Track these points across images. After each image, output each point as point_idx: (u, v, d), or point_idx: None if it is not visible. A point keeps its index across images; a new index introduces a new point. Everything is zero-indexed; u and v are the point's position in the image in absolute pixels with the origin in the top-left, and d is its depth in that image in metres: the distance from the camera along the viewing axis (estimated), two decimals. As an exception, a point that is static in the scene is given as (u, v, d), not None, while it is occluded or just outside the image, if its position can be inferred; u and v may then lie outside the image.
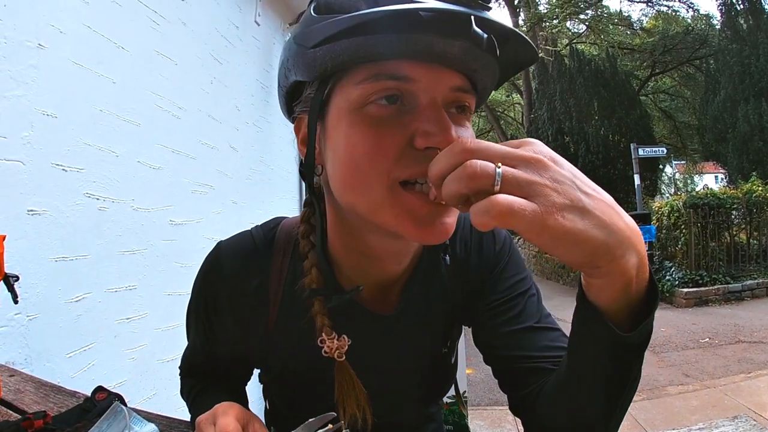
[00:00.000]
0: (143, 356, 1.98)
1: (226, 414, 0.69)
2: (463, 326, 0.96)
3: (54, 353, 1.56)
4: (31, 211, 1.48)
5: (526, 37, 0.60)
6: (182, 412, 0.95)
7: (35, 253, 1.49)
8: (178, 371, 1.00)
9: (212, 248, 0.85)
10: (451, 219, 0.63)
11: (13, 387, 1.02)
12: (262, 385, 0.99)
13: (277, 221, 0.86)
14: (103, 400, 0.79)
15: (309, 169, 0.68)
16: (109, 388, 0.87)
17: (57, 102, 1.58)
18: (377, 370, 0.79)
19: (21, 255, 1.44)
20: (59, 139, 1.59)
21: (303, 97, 0.68)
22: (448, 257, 0.82)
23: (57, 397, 0.97)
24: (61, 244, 1.58)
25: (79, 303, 1.65)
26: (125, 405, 0.78)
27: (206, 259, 0.86)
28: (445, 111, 0.60)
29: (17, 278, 1.22)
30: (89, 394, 0.86)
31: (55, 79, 1.58)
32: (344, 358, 0.75)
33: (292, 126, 0.73)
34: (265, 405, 1.04)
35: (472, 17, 0.54)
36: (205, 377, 0.97)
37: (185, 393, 0.96)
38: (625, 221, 0.50)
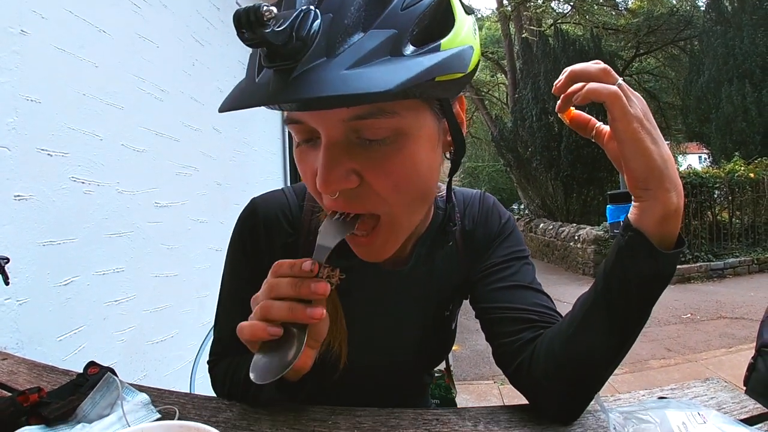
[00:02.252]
0: (133, 338, 2.01)
1: None
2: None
3: (45, 337, 1.59)
4: (18, 196, 1.49)
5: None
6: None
7: (23, 238, 1.51)
8: (208, 367, 0.98)
9: (247, 204, 0.92)
10: (377, 246, 0.70)
11: (7, 369, 1.04)
12: None
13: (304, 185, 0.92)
14: (96, 374, 0.82)
15: None
16: (100, 363, 0.90)
17: (40, 87, 1.58)
18: (385, 324, 0.90)
19: (9, 240, 1.46)
20: (43, 124, 1.60)
21: None
22: (457, 224, 0.93)
23: (50, 376, 1.00)
24: (48, 228, 1.60)
25: (68, 286, 1.68)
26: (117, 376, 0.81)
27: (242, 212, 0.92)
28: (356, 144, 0.62)
29: (8, 260, 1.24)
30: (81, 370, 0.89)
31: (38, 64, 1.58)
32: (335, 287, 0.78)
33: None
34: None
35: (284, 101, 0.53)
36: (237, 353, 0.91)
37: (220, 380, 0.92)
38: (676, 172, 0.66)
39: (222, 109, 0.56)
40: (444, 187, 0.88)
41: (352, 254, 0.76)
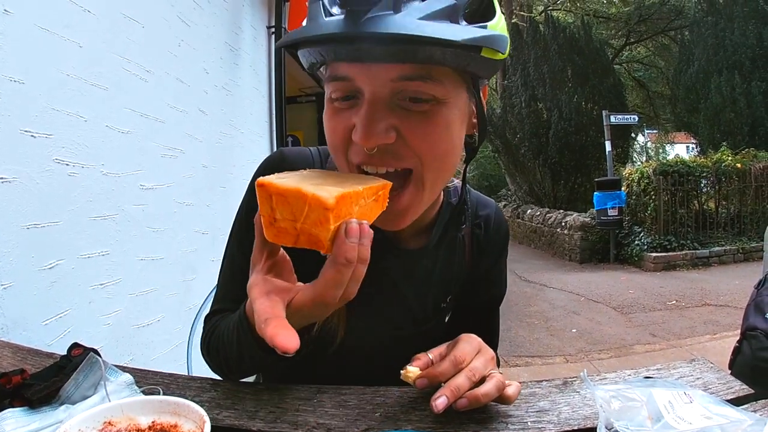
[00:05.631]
0: (119, 321, 2.00)
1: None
2: None
3: (30, 321, 1.57)
4: (1, 178, 1.47)
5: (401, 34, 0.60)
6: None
7: (7, 221, 1.49)
8: (204, 325, 0.99)
9: (274, 152, 0.97)
10: (400, 208, 0.74)
11: (-9, 354, 1.03)
12: None
13: None
14: (79, 356, 0.81)
15: None
16: (84, 344, 0.89)
17: (24, 68, 1.55)
18: (384, 302, 0.92)
19: (-7, 223, 1.44)
20: (27, 105, 1.57)
21: None
22: (468, 221, 1.00)
23: (35, 359, 0.99)
24: (32, 211, 1.58)
25: (53, 270, 1.66)
26: (100, 357, 0.81)
27: (268, 157, 0.96)
28: (397, 105, 0.68)
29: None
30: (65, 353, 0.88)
31: (22, 44, 1.55)
32: None
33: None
34: None
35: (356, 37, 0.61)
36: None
37: (206, 335, 0.94)
38: None
39: (283, 44, 0.69)
40: (455, 180, 0.94)
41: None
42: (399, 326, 0.97)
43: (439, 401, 0.67)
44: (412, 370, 0.71)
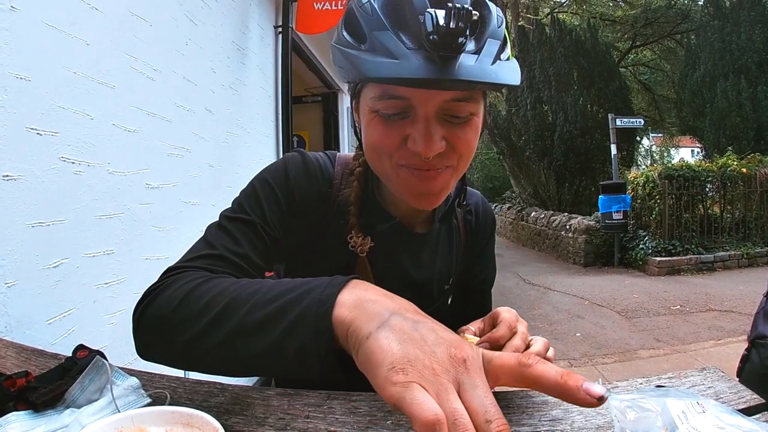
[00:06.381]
0: (123, 321, 1.99)
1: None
2: None
3: (34, 320, 1.56)
4: (7, 176, 1.46)
5: (488, 82, 0.74)
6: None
7: (12, 219, 1.48)
8: (172, 272, 0.89)
9: (292, 153, 1.00)
10: (438, 190, 0.85)
11: (-6, 353, 1.02)
12: None
13: (335, 152, 1.06)
14: (85, 358, 0.80)
15: (357, 133, 0.94)
16: (89, 346, 0.88)
17: (30, 65, 1.54)
18: (395, 278, 1.02)
19: (-3, 220, 1.43)
20: (33, 102, 1.56)
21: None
22: (463, 205, 1.11)
23: (39, 360, 0.98)
24: (37, 209, 1.57)
25: (57, 268, 1.65)
26: (106, 360, 0.80)
27: (286, 155, 1.01)
28: (443, 119, 0.79)
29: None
30: (70, 354, 0.87)
31: (28, 41, 1.54)
32: (365, 254, 0.96)
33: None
34: None
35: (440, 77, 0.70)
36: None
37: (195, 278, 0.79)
38: None
39: (373, 80, 0.75)
40: None
41: (385, 219, 0.98)
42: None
43: None
44: (470, 338, 0.80)
